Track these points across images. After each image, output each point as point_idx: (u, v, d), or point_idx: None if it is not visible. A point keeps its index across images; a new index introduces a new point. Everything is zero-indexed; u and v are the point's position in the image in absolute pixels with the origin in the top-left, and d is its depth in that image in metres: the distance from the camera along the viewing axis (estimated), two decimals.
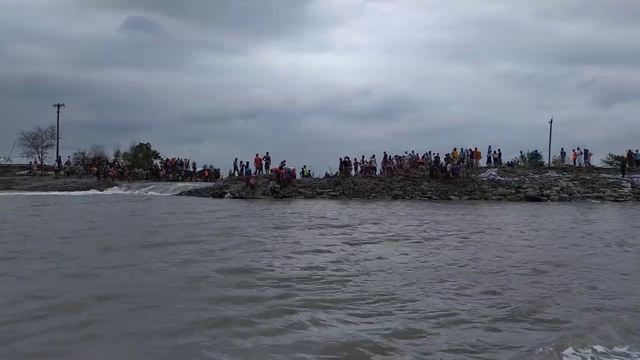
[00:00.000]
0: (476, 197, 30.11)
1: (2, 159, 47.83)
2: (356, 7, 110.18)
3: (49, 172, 45.43)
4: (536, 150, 39.02)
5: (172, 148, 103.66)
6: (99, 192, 35.94)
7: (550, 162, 40.63)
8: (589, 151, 35.97)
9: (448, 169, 32.78)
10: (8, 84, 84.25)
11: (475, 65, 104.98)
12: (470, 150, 35.05)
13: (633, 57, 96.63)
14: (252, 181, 28.59)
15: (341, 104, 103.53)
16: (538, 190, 30.50)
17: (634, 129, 79.79)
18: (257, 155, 32.86)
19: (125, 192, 35.97)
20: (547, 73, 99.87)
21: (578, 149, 35.47)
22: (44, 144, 48.97)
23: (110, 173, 41.48)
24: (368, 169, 33.51)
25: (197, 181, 47.93)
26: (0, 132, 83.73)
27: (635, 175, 33.21)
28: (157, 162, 57.33)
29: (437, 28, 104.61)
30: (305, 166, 33.71)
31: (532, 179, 32.33)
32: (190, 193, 31.82)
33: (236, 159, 35.00)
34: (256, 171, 31.99)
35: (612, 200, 29.64)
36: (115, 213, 18.10)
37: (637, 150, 35.76)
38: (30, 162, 47.28)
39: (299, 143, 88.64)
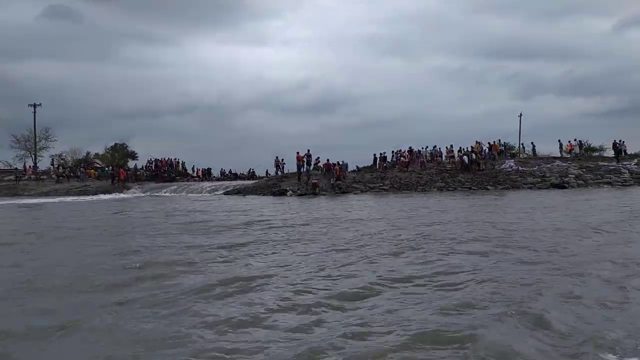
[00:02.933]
0: (508, 186, 33.01)
1: None
2: (295, 0, 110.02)
3: (42, 177, 42.43)
4: (532, 142, 43.18)
5: (99, 145, 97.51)
6: (123, 195, 34.63)
7: (520, 154, 44.79)
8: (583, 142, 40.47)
9: (466, 161, 35.51)
10: None
11: (409, 59, 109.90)
12: (489, 143, 38.03)
13: (552, 52, 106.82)
14: (314, 180, 29.43)
15: (278, 99, 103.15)
16: (560, 179, 34.06)
17: (550, 120, 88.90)
18: (297, 152, 33.41)
19: (149, 194, 34.95)
20: (474, 67, 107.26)
21: (575, 139, 39.75)
22: (38, 147, 45.45)
23: (121, 176, 39.77)
24: (403, 163, 35.33)
25: (195, 181, 47.22)
26: None
27: (624, 163, 37.99)
28: (137, 162, 55.39)
29: (374, 22, 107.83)
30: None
31: (547, 169, 35.91)
32: (239, 192, 31.63)
33: (277, 157, 35.46)
34: (300, 168, 32.59)
35: (619, 186, 33.82)
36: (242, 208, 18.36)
37: (620, 141, 40.75)
38: (16, 168, 43.79)
39: (235, 138, 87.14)
